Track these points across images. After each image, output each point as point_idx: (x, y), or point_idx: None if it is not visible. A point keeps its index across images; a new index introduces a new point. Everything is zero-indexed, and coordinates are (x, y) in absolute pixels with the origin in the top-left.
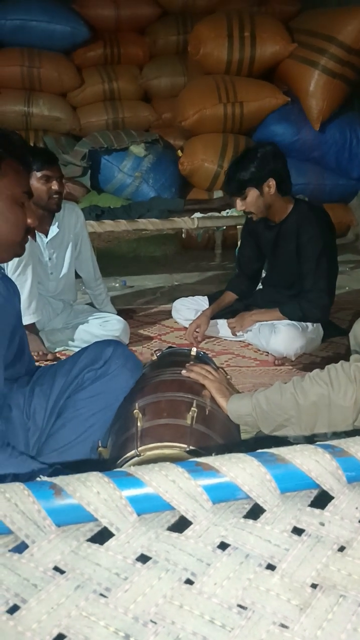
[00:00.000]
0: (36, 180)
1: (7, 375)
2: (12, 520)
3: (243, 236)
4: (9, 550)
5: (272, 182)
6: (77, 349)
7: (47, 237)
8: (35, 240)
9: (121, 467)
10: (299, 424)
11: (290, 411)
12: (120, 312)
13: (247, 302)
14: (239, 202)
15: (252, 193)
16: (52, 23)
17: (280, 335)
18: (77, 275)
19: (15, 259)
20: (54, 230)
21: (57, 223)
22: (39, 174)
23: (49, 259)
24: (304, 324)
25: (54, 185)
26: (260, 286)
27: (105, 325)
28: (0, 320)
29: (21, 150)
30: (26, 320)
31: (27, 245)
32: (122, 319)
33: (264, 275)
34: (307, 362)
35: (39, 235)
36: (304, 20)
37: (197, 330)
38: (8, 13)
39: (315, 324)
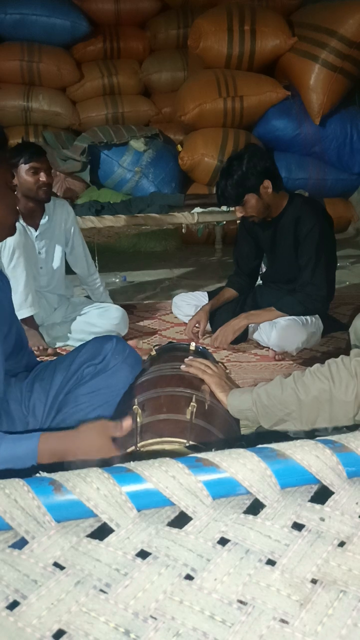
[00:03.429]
0: (25, 172)
1: (6, 369)
2: (12, 516)
3: (240, 234)
4: (9, 546)
5: (267, 183)
6: (77, 342)
7: (37, 230)
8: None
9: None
10: (299, 419)
11: (291, 406)
12: None
13: (246, 299)
14: (239, 210)
15: (251, 199)
16: (52, 17)
17: (282, 330)
18: (72, 272)
19: (9, 251)
20: (43, 223)
21: (47, 217)
22: (26, 166)
23: (39, 252)
24: (304, 318)
25: (42, 177)
26: (260, 282)
27: (104, 315)
28: None
29: (2, 138)
30: (24, 313)
31: (20, 238)
32: (120, 308)
33: (263, 270)
34: (308, 357)
35: (29, 229)
36: (304, 14)
37: (196, 325)
38: (8, 7)
39: (315, 319)
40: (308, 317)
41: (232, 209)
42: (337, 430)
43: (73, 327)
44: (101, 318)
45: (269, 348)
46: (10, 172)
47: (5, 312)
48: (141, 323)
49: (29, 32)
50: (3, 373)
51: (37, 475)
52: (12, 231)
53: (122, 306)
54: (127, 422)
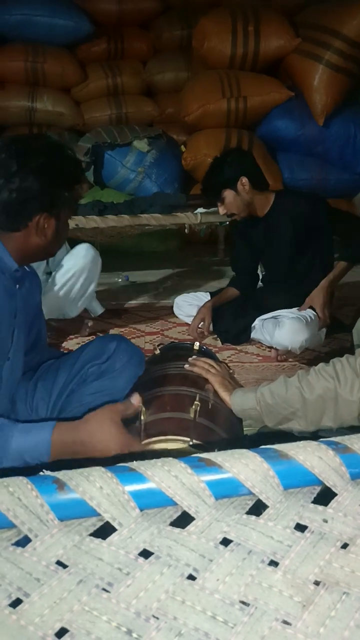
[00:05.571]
0: None
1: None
2: (15, 514)
3: (235, 239)
4: (12, 544)
5: (244, 180)
6: (62, 299)
7: None
8: None
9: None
10: (304, 418)
11: (295, 405)
12: (111, 311)
13: (248, 297)
14: (220, 207)
15: (229, 194)
16: (55, 18)
17: (285, 329)
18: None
19: None
20: None
21: None
22: None
23: None
24: (307, 316)
25: None
26: (260, 284)
27: (73, 255)
28: (24, 311)
29: (77, 175)
30: None
31: None
32: (87, 245)
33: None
34: (310, 357)
35: None
36: (308, 15)
37: (199, 325)
38: (11, 8)
39: (315, 317)
40: (311, 315)
41: None
42: (343, 430)
43: (55, 281)
44: (71, 259)
45: (271, 348)
46: (73, 208)
47: (33, 306)
48: (144, 323)
49: (33, 33)
50: (22, 367)
51: (41, 473)
52: (53, 255)
53: (110, 309)
54: (136, 399)
